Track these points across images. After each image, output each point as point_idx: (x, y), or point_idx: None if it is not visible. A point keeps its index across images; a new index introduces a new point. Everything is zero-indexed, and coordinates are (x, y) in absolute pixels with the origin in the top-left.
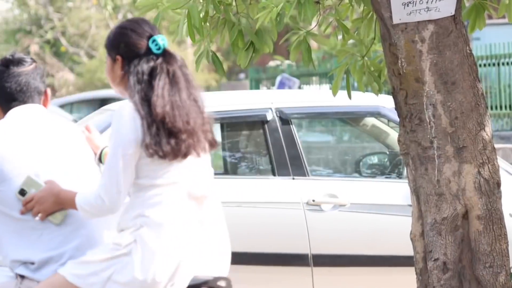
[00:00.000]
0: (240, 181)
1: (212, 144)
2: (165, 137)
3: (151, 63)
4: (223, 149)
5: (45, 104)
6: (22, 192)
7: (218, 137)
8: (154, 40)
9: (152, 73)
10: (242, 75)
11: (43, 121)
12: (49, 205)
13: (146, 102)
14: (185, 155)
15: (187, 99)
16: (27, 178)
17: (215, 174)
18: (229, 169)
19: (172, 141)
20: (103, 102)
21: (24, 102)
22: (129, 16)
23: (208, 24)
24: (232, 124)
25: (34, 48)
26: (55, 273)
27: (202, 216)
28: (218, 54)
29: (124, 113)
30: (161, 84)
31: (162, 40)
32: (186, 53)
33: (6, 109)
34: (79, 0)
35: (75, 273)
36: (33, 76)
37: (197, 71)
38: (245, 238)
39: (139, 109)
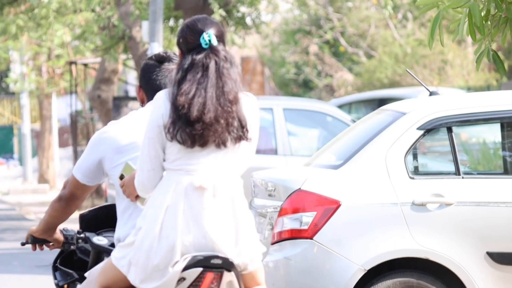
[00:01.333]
0: None
1: (240, 139)
2: (184, 124)
3: (195, 57)
4: (503, 149)
5: None
6: (121, 177)
7: (496, 136)
8: (203, 37)
9: (192, 66)
10: None
11: None
12: (133, 189)
13: (177, 91)
14: (202, 144)
15: (213, 91)
16: (126, 164)
17: (495, 174)
18: (509, 169)
19: (188, 129)
20: (381, 102)
21: None
22: (409, 15)
23: (489, 22)
24: None
25: (313, 48)
26: None
27: (207, 205)
28: (499, 53)
29: (157, 99)
30: (192, 75)
31: (208, 36)
32: (466, 52)
33: (150, 100)
34: (359, 0)
35: (116, 255)
36: None
37: (477, 70)
38: None
39: (170, 97)
